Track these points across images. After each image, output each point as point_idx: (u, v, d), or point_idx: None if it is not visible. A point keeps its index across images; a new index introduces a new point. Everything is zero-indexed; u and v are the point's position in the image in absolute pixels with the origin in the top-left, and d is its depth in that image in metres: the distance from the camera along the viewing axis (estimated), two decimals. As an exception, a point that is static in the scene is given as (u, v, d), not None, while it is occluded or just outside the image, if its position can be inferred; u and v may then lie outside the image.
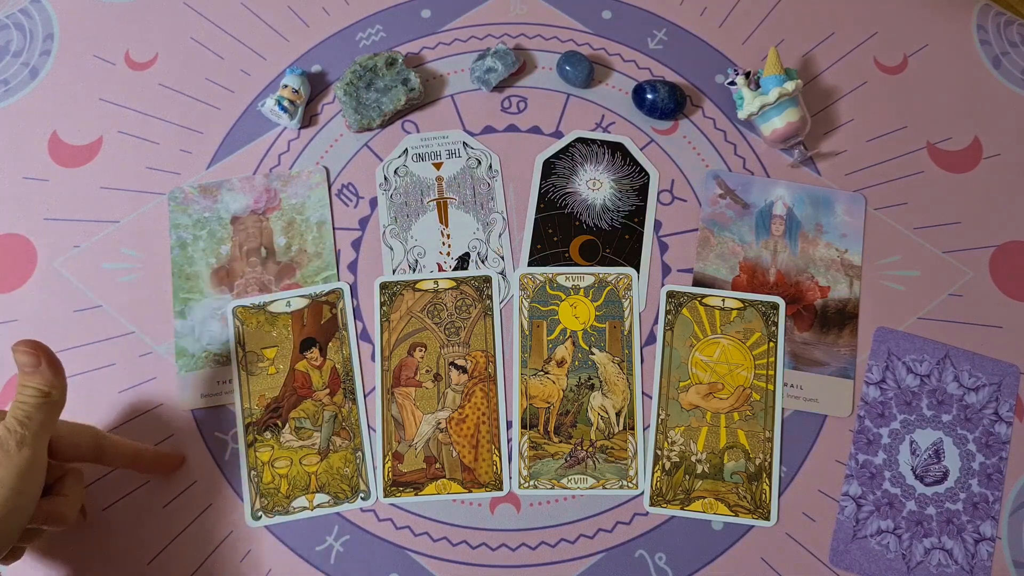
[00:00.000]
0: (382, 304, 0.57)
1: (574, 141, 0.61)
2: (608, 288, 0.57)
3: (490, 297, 0.57)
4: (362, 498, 0.53)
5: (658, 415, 0.55)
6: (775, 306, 0.57)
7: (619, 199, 0.60)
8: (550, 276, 0.58)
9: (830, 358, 0.56)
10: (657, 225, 0.59)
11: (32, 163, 0.62)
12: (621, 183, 0.60)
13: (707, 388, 0.55)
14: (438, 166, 0.61)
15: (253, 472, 0.54)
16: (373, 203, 0.60)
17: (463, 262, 0.58)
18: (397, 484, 0.54)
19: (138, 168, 0.61)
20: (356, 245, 0.59)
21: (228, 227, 0.59)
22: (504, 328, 0.57)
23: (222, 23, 0.66)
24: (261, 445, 0.54)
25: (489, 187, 0.60)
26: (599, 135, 0.62)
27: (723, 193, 0.60)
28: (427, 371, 0.56)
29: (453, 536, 0.53)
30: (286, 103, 0.60)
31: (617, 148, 0.61)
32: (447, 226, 0.59)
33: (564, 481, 0.54)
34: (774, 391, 0.55)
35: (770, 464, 0.54)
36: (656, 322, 0.57)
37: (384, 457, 0.54)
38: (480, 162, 0.61)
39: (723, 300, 0.57)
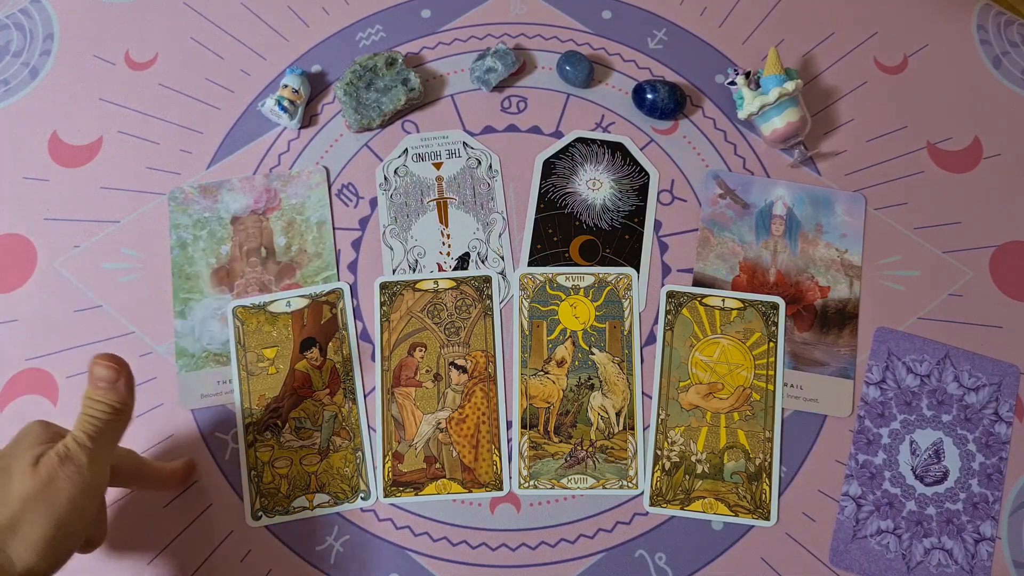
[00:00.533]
0: (382, 304, 0.57)
1: (574, 141, 0.61)
2: (608, 288, 0.57)
3: (490, 297, 0.57)
4: (362, 498, 0.53)
5: (658, 415, 0.55)
6: (775, 306, 0.57)
7: (619, 199, 0.60)
8: (550, 276, 0.58)
9: (830, 358, 0.56)
10: (657, 225, 0.59)
11: (32, 163, 0.62)
12: (621, 183, 0.60)
13: (707, 388, 0.55)
14: (438, 166, 0.61)
15: (253, 472, 0.54)
16: (373, 203, 0.60)
17: (463, 262, 0.58)
18: (397, 484, 0.54)
19: (138, 168, 0.61)
20: (356, 245, 0.59)
21: (228, 227, 0.59)
22: (504, 328, 0.57)
23: (222, 23, 0.66)
24: (261, 445, 0.54)
25: (489, 187, 0.60)
26: (599, 135, 0.62)
27: (723, 193, 0.60)
28: (427, 371, 0.56)
29: (453, 536, 0.53)
30: (286, 103, 0.60)
31: (617, 148, 0.61)
32: (447, 226, 0.59)
33: (564, 481, 0.54)
34: (774, 391, 0.55)
35: (770, 464, 0.54)
36: (656, 322, 0.57)
37: (384, 457, 0.54)
38: (480, 162, 0.61)
39: (723, 300, 0.57)
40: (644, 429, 0.55)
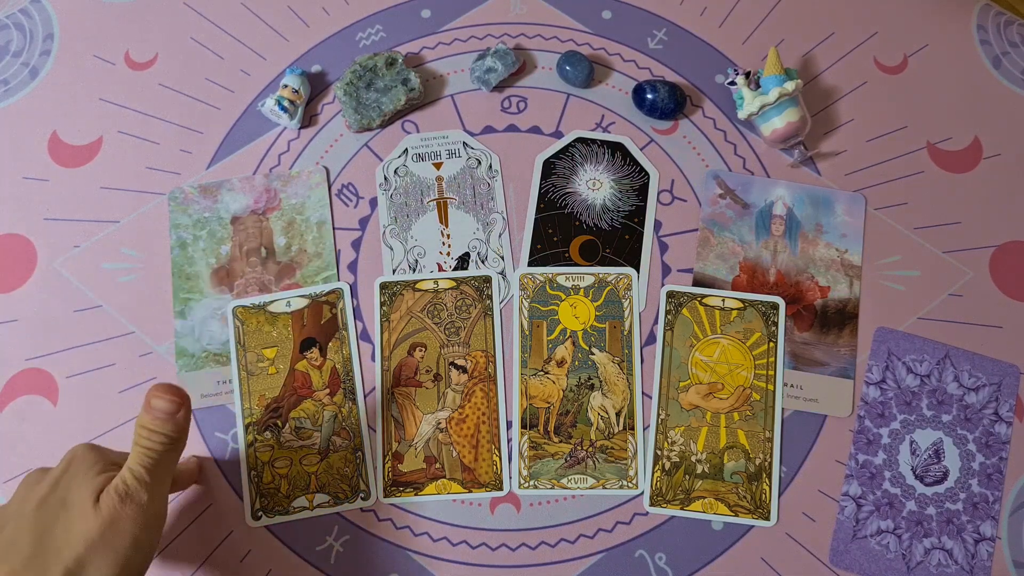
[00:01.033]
0: (382, 304, 0.57)
1: (574, 141, 0.61)
2: (608, 288, 0.57)
3: (490, 297, 0.57)
4: (362, 498, 0.53)
5: (658, 415, 0.55)
6: (775, 306, 0.57)
7: (619, 199, 0.60)
8: (550, 276, 0.58)
9: (830, 358, 0.56)
10: (657, 225, 0.59)
11: (32, 163, 0.62)
12: (621, 183, 0.60)
13: (707, 388, 0.55)
14: (438, 166, 0.61)
15: (253, 472, 0.54)
16: (373, 203, 0.60)
17: (463, 262, 0.58)
18: (397, 484, 0.54)
19: (138, 168, 0.61)
20: (356, 245, 0.59)
21: (228, 227, 0.59)
22: (504, 328, 0.57)
23: (222, 23, 0.66)
24: (261, 445, 0.54)
25: (489, 187, 0.60)
26: (599, 135, 0.62)
27: (723, 193, 0.60)
28: (427, 371, 0.56)
29: (453, 536, 0.53)
30: (286, 103, 0.60)
31: (617, 148, 0.61)
32: (447, 226, 0.59)
33: (564, 481, 0.54)
34: (774, 391, 0.55)
35: (770, 464, 0.54)
36: (656, 322, 0.57)
37: (384, 457, 0.54)
38: (480, 162, 0.61)
39: (723, 300, 0.57)
40: (644, 429, 0.55)
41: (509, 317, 0.57)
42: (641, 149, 0.61)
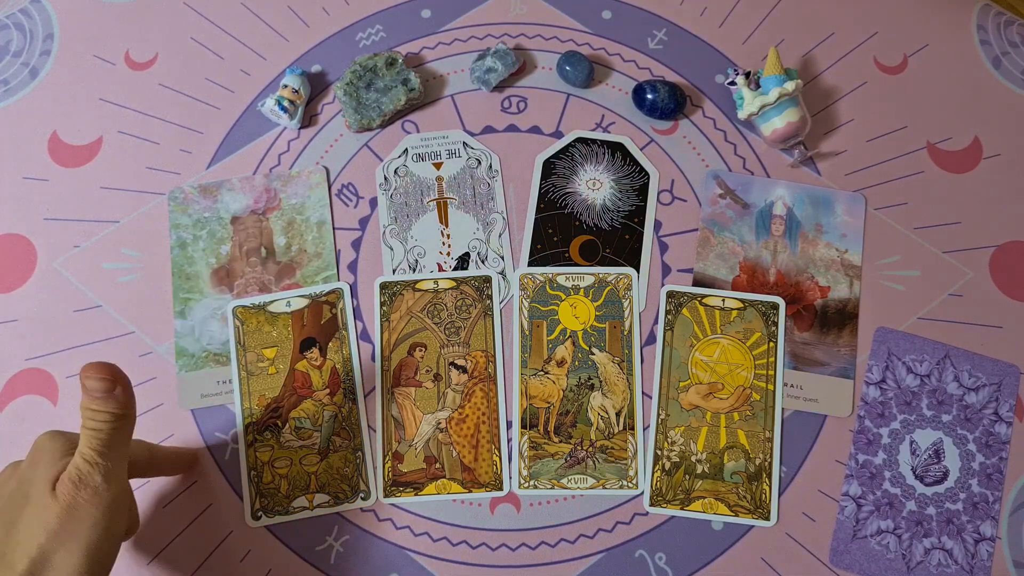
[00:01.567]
0: (382, 304, 0.57)
1: (574, 141, 0.61)
2: (608, 288, 0.57)
3: (490, 297, 0.57)
4: (362, 498, 0.53)
5: (658, 415, 0.55)
6: (775, 306, 0.57)
7: (619, 199, 0.60)
8: (550, 276, 0.58)
9: (830, 358, 0.56)
10: (657, 225, 0.59)
11: (32, 163, 0.62)
12: (621, 183, 0.60)
13: (707, 388, 0.55)
14: (438, 166, 0.61)
15: (253, 472, 0.54)
16: (373, 203, 0.60)
17: (463, 262, 0.58)
18: (397, 484, 0.54)
19: (138, 168, 0.61)
20: (356, 245, 0.59)
21: (228, 227, 0.59)
22: (504, 328, 0.57)
23: (222, 23, 0.66)
24: (261, 445, 0.54)
25: (489, 187, 0.60)
26: (599, 135, 0.62)
27: (723, 193, 0.60)
28: (427, 371, 0.56)
29: (453, 536, 0.53)
30: (286, 103, 0.60)
31: (617, 148, 0.61)
32: (447, 226, 0.59)
33: (564, 481, 0.54)
34: (774, 391, 0.55)
35: (770, 464, 0.54)
36: (656, 322, 0.57)
37: (384, 457, 0.54)
38: (480, 162, 0.61)
39: (723, 300, 0.57)
40: (644, 429, 0.55)
41: (509, 317, 0.57)
42: (641, 149, 0.61)
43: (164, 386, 0.56)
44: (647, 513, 0.53)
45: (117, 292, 0.58)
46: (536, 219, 0.59)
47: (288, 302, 0.57)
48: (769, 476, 0.53)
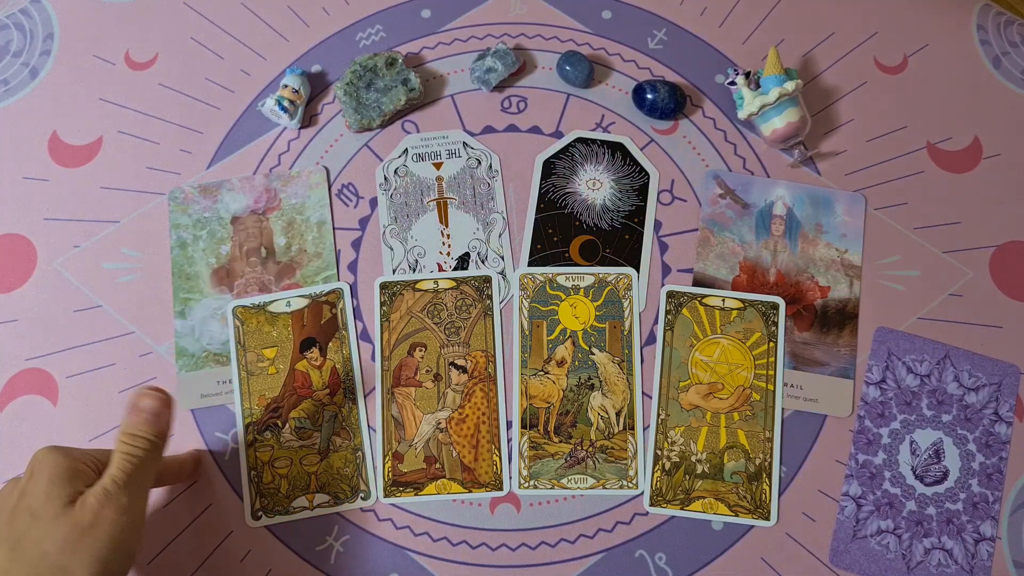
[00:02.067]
0: (382, 304, 0.57)
1: (574, 141, 0.61)
2: (608, 288, 0.57)
3: (490, 297, 0.57)
4: (362, 498, 0.53)
5: (658, 415, 0.55)
6: (775, 306, 0.57)
7: (619, 199, 0.60)
8: (550, 276, 0.58)
9: (830, 358, 0.56)
10: (657, 225, 0.59)
11: (32, 163, 0.62)
12: (621, 183, 0.60)
13: (707, 388, 0.55)
14: (438, 166, 0.61)
15: (253, 472, 0.54)
16: (373, 203, 0.60)
17: (463, 262, 0.58)
18: (397, 484, 0.54)
19: (138, 168, 0.61)
20: (356, 245, 0.59)
21: (228, 227, 0.59)
22: (504, 328, 0.57)
23: (222, 23, 0.66)
24: (261, 445, 0.54)
25: (489, 187, 0.60)
26: (599, 135, 0.62)
27: (723, 193, 0.60)
28: (427, 371, 0.56)
29: (453, 536, 0.53)
30: (286, 103, 0.60)
31: (617, 148, 0.61)
32: (447, 226, 0.59)
33: (564, 481, 0.54)
34: (774, 391, 0.55)
35: (770, 464, 0.54)
36: (656, 322, 0.57)
37: (384, 457, 0.54)
38: (480, 162, 0.61)
39: (723, 300, 0.57)
40: (644, 429, 0.55)
41: (509, 317, 0.57)
42: (641, 149, 0.61)
43: (164, 386, 0.55)
44: (647, 513, 0.53)
45: (117, 292, 0.58)
46: (536, 219, 0.59)
47: (288, 302, 0.57)
48: (769, 476, 0.53)
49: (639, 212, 0.59)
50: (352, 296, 0.57)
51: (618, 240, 0.59)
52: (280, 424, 0.55)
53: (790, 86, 0.57)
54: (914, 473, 0.53)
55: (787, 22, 0.65)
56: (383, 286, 0.58)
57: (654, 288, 0.58)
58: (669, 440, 0.54)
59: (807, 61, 0.64)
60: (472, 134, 0.62)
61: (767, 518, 0.53)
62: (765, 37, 0.64)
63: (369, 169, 0.61)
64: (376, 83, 0.61)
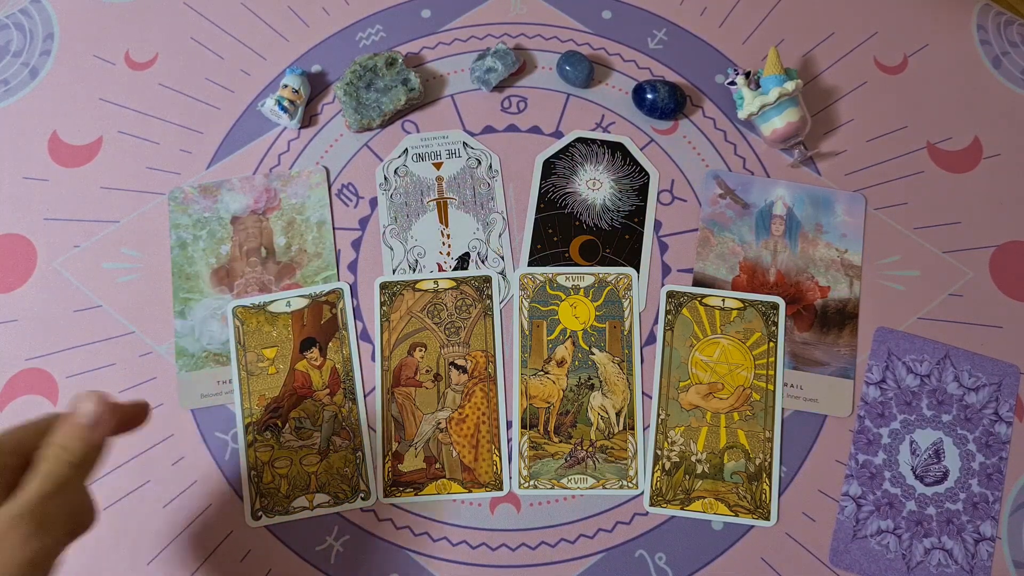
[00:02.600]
0: (382, 304, 0.57)
1: (574, 141, 0.61)
2: (608, 288, 0.57)
3: (490, 297, 0.57)
4: (362, 498, 0.53)
5: (658, 415, 0.55)
6: (775, 306, 0.57)
7: (619, 199, 0.60)
8: (550, 276, 0.58)
9: (830, 358, 0.56)
10: (657, 225, 0.59)
11: (32, 163, 0.62)
12: (621, 183, 0.60)
13: (707, 388, 0.55)
14: (438, 166, 0.61)
15: (253, 472, 0.54)
16: (373, 203, 0.60)
17: (463, 262, 0.58)
18: (397, 484, 0.54)
19: (138, 168, 0.61)
20: (356, 245, 0.59)
21: (228, 227, 0.59)
22: (504, 328, 0.57)
23: (222, 23, 0.66)
24: (261, 445, 0.54)
25: (489, 187, 0.60)
26: (599, 135, 0.62)
27: (723, 193, 0.60)
28: (427, 371, 0.56)
29: (453, 536, 0.53)
30: (286, 103, 0.60)
31: (617, 148, 0.61)
32: (447, 226, 0.59)
33: (564, 481, 0.54)
34: (774, 391, 0.55)
35: (770, 464, 0.54)
36: (656, 322, 0.57)
37: (384, 457, 0.54)
38: (480, 162, 0.61)
39: (723, 300, 0.57)
40: (644, 429, 0.55)
41: (509, 317, 0.57)
42: (641, 149, 0.61)
43: (164, 386, 0.56)
44: (647, 513, 0.53)
45: (117, 292, 0.58)
46: (536, 219, 0.59)
47: (288, 302, 0.57)
48: (769, 476, 0.53)
49: (639, 212, 0.59)
50: (352, 296, 0.57)
51: (618, 240, 0.59)
52: (280, 424, 0.55)
53: (790, 86, 0.57)
54: (914, 473, 0.53)
55: (787, 22, 0.65)
56: (383, 286, 0.58)
57: (654, 288, 0.58)
58: (669, 440, 0.54)
59: (807, 61, 0.64)
60: (472, 134, 0.62)
61: (767, 518, 0.53)
62: (765, 37, 0.64)
63: (369, 169, 0.61)
64: (376, 83, 0.61)
